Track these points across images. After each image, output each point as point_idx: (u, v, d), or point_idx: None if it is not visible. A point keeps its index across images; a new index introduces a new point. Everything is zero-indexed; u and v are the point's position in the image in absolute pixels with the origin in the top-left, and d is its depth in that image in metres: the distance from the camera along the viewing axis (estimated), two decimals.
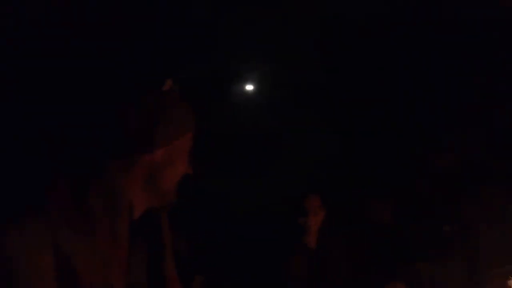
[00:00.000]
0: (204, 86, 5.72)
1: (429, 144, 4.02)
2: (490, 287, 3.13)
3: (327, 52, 5.40)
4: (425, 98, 4.71)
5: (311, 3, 5.36)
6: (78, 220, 1.06)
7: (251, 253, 3.80)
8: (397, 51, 5.06)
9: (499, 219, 3.39)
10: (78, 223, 1.06)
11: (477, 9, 4.08)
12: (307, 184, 4.32)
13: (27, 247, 1.00)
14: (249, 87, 6.89)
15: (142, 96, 1.17)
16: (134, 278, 1.17)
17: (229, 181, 5.21)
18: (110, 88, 1.19)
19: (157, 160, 1.18)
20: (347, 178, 4.77)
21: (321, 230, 3.30)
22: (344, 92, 5.52)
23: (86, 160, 1.14)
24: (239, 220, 4.68)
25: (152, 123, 1.16)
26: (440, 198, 3.61)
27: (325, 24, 5.49)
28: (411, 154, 4.11)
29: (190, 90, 1.28)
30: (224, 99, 6.07)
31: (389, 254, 3.50)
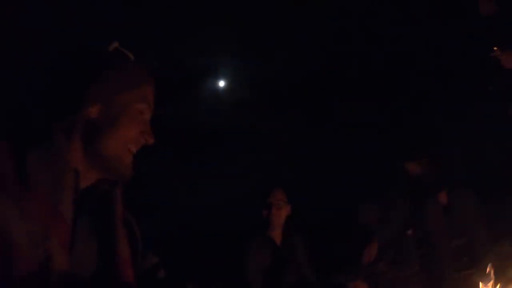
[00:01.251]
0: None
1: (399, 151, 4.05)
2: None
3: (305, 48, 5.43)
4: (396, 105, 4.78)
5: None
6: (16, 187, 0.97)
7: (214, 245, 3.75)
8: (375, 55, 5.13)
9: (460, 225, 3.46)
10: (16, 190, 0.97)
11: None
12: (273, 179, 4.32)
13: None
14: (221, 83, 6.89)
15: (79, 54, 1.12)
16: (81, 255, 1.07)
17: (195, 174, 5.17)
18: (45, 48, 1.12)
19: (93, 117, 1.10)
20: (313, 177, 4.79)
21: (285, 225, 3.25)
22: (315, 91, 5.56)
23: (25, 121, 1.07)
24: (203, 212, 4.63)
25: (88, 79, 1.10)
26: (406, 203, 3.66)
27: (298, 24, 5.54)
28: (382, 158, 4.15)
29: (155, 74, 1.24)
30: (194, 93, 6.03)
31: (353, 253, 3.52)
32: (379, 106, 4.86)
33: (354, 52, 5.39)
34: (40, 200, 0.99)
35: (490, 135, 3.57)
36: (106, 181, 1.16)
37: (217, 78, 6.72)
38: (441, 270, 3.30)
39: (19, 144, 1.01)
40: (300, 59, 5.70)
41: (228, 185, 4.92)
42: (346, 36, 5.46)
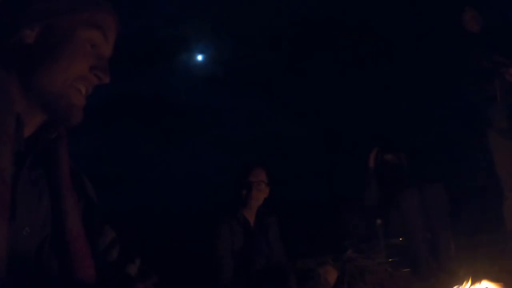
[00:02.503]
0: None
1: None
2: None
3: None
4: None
5: None
6: None
7: (181, 222, 3.66)
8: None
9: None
10: None
11: None
12: (243, 157, 4.26)
13: None
14: (195, 58, 6.74)
15: None
16: (23, 222, 0.90)
17: (171, 150, 5.06)
18: None
19: (29, 43, 0.91)
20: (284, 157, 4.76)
21: (260, 206, 3.16)
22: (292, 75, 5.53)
23: None
24: (172, 187, 4.52)
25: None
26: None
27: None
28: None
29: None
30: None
31: (325, 241, 3.53)
32: (354, 89, 4.87)
33: (330, 33, 5.38)
34: None
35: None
36: (51, 127, 0.96)
37: (191, 53, 6.58)
38: (415, 262, 3.38)
39: None
40: (274, 38, 5.65)
41: (197, 160, 4.83)
42: (322, 18, 5.43)
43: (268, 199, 3.22)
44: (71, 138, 1.04)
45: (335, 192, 4.05)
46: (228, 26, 5.79)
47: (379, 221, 3.75)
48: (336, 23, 5.28)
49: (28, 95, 0.91)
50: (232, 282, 2.85)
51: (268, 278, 2.99)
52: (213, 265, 2.92)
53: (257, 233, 3.09)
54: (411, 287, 3.22)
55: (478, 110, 3.67)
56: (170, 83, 5.86)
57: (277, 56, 5.68)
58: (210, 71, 6.28)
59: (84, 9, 0.97)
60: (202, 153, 5.13)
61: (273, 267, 3.09)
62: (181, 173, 4.72)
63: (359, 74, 5.07)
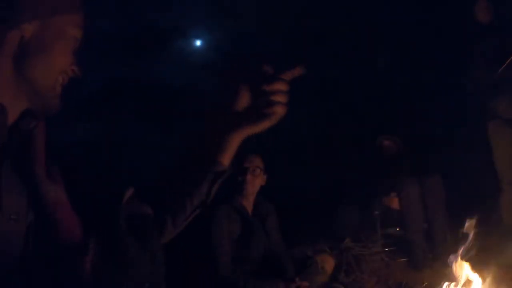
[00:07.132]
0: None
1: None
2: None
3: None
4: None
5: None
6: None
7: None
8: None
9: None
10: None
11: None
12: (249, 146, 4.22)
13: None
14: (190, 45, 6.68)
15: None
16: (10, 210, 0.93)
17: (160, 136, 5.01)
18: None
19: (26, 38, 0.96)
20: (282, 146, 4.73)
21: (257, 194, 3.14)
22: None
23: None
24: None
25: None
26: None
27: None
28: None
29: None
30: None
31: (322, 230, 3.55)
32: (356, 78, 4.83)
33: (330, 22, 5.32)
34: None
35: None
36: (31, 116, 0.99)
37: (186, 39, 6.51)
38: (412, 252, 3.41)
39: None
40: (272, 25, 5.59)
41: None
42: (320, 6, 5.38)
43: (266, 187, 3.23)
44: (68, 128, 1.04)
45: (334, 181, 4.05)
46: (227, 10, 5.71)
47: (376, 212, 3.77)
48: (340, 8, 5.23)
49: (19, 83, 0.96)
50: (230, 270, 2.85)
51: (266, 266, 3.00)
52: (210, 253, 2.92)
53: (255, 222, 3.10)
54: (407, 276, 3.25)
55: (480, 101, 3.66)
56: (167, 69, 5.80)
57: (277, 42, 5.61)
58: (208, 56, 6.20)
59: (75, 10, 1.03)
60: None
61: (271, 255, 3.10)
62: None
63: (361, 62, 5.02)
